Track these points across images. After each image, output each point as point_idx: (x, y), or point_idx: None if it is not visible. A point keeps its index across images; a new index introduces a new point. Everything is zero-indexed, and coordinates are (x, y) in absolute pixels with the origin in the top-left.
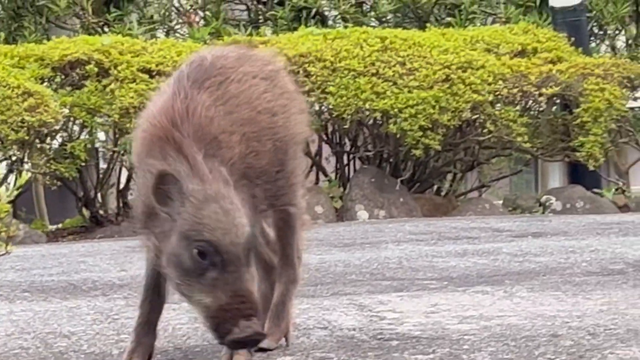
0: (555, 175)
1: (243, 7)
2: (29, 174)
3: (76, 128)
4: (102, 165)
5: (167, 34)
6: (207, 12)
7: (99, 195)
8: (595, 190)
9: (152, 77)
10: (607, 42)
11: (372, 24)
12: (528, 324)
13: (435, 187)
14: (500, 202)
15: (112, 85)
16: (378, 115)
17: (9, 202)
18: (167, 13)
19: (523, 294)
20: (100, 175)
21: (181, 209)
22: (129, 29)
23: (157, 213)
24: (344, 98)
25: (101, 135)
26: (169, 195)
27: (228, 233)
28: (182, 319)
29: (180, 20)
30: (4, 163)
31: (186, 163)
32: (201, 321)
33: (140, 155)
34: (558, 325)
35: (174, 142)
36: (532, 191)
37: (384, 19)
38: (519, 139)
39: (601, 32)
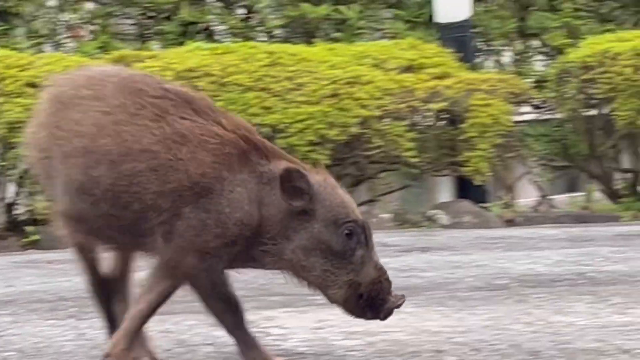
0: (443, 190)
1: (131, 21)
2: None
3: None
4: None
5: (55, 48)
6: (95, 27)
7: None
8: (482, 204)
9: (38, 91)
10: (493, 58)
11: (261, 38)
12: (413, 339)
13: None
14: (390, 216)
15: None
16: (267, 130)
17: None
18: (54, 27)
19: (408, 309)
20: None
21: (319, 198)
22: (16, 43)
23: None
24: (233, 113)
25: None
26: (299, 190)
27: (360, 212)
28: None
29: (67, 35)
30: None
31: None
32: (348, 305)
33: (220, 174)
34: (442, 340)
35: (265, 149)
36: (421, 206)
37: (272, 34)
38: (407, 153)
39: (487, 48)
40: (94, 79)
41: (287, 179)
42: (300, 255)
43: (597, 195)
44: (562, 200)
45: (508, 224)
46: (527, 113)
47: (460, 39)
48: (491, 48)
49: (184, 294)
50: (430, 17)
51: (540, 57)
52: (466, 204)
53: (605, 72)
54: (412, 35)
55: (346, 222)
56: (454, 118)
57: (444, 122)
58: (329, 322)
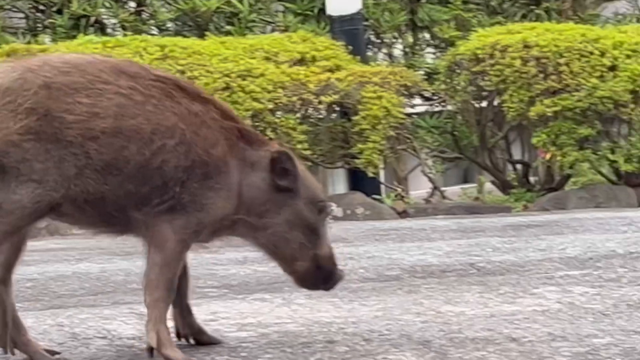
0: (336, 182)
1: (21, 15)
2: None
3: None
4: None
5: None
6: None
7: None
8: (375, 196)
9: None
10: (384, 51)
11: (152, 32)
12: (305, 330)
13: None
14: None
15: None
16: None
17: None
18: None
19: (301, 300)
20: None
21: (301, 179)
22: None
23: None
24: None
25: None
26: (287, 171)
27: None
28: None
29: None
30: None
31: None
32: (307, 276)
33: (223, 157)
34: (334, 331)
35: (248, 134)
36: None
37: (163, 27)
38: (299, 146)
39: (378, 41)
40: (80, 65)
41: (278, 161)
42: (285, 229)
43: (489, 186)
44: (454, 191)
45: (401, 215)
46: (418, 105)
47: (352, 32)
48: (382, 41)
49: (77, 289)
50: (321, 10)
51: (430, 49)
52: (359, 196)
53: (495, 64)
54: (304, 28)
55: (320, 201)
56: (346, 110)
57: (336, 115)
58: (222, 314)
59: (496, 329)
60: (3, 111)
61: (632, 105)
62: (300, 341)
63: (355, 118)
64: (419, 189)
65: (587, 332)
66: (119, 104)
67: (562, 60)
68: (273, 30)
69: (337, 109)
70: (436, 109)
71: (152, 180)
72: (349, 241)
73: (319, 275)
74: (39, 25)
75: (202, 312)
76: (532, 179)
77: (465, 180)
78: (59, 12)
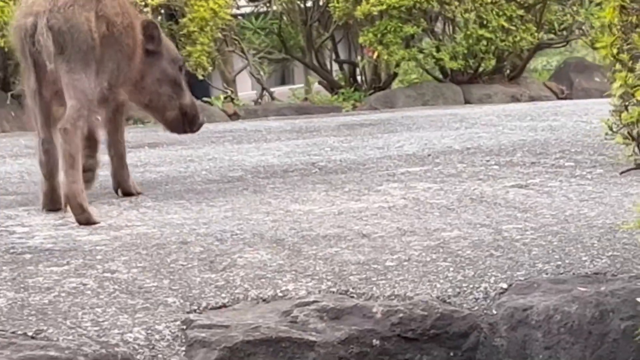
0: None
1: None
2: None
3: None
4: None
5: None
6: None
7: None
8: (205, 99)
9: None
10: None
11: None
12: (157, 232)
13: None
14: None
15: None
16: None
17: None
18: None
19: (148, 203)
20: None
21: (164, 43)
22: None
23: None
24: None
25: None
26: (155, 35)
27: None
28: None
29: None
30: None
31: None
32: (176, 122)
33: (137, 24)
34: (186, 232)
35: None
36: None
37: None
38: None
39: None
40: None
41: (148, 28)
42: (156, 86)
43: (316, 86)
44: (282, 92)
45: (231, 117)
46: (244, 6)
47: None
48: None
49: None
50: None
51: None
52: None
53: None
54: None
55: (179, 60)
56: (172, 13)
57: (162, 18)
58: (71, 219)
59: (346, 226)
60: None
61: (456, 3)
62: (154, 243)
63: (182, 20)
64: (247, 90)
65: (435, 226)
66: None
67: None
68: None
69: (163, 11)
70: (262, 10)
71: None
72: (186, 144)
73: (185, 120)
74: None
75: (52, 218)
76: (359, 78)
77: (292, 81)
78: None
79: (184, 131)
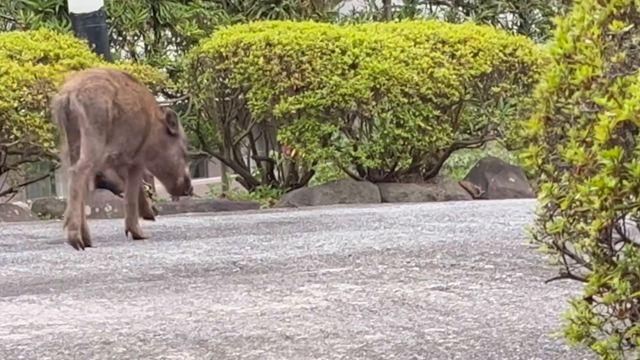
0: None
1: None
2: None
3: None
4: None
5: None
6: None
7: None
8: (123, 194)
9: None
10: (127, 48)
11: None
12: (79, 331)
13: None
14: (30, 207)
15: None
16: None
17: None
18: None
19: (69, 301)
20: None
21: (180, 128)
22: None
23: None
24: None
25: None
26: (175, 123)
27: None
28: None
29: None
30: None
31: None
32: (179, 186)
33: (154, 111)
34: (109, 332)
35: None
36: (62, 197)
37: None
38: (46, 144)
39: (120, 38)
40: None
41: (170, 117)
42: (176, 157)
43: (234, 183)
44: (198, 185)
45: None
46: (161, 103)
47: (95, 30)
48: (125, 38)
49: None
50: (62, 7)
51: (173, 47)
52: (107, 194)
53: (238, 62)
54: (46, 25)
55: (187, 141)
56: None
57: None
58: None
59: (269, 327)
60: None
61: (373, 103)
62: (76, 343)
63: None
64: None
65: (358, 328)
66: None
67: (304, 59)
68: (14, 28)
69: None
70: (180, 106)
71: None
72: (105, 240)
73: (185, 185)
74: None
75: None
76: (276, 174)
77: (207, 173)
78: None
79: (184, 194)
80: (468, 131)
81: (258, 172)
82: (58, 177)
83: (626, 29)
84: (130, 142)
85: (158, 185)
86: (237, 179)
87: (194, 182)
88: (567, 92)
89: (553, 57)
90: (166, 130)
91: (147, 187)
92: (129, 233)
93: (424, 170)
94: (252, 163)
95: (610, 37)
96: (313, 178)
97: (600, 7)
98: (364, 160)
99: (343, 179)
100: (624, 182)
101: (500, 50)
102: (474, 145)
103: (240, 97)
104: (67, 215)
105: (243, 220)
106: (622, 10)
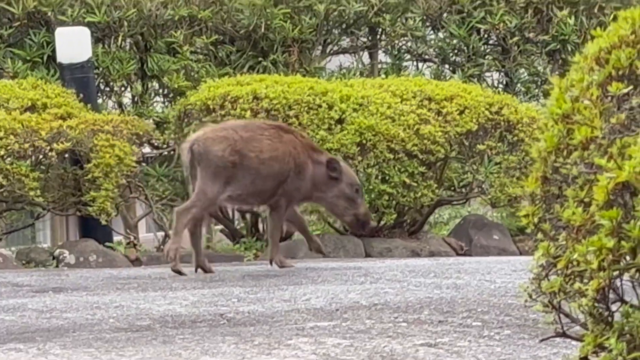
0: (69, 229)
1: None
2: None
3: None
4: None
5: None
6: None
7: None
8: (108, 243)
9: None
10: (114, 99)
11: None
12: None
13: None
14: (15, 255)
15: None
16: None
17: None
18: None
19: (57, 351)
20: None
21: (343, 172)
22: None
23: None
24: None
25: None
26: (336, 168)
27: None
28: None
29: None
30: None
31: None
32: (352, 224)
33: (305, 159)
34: None
35: (317, 147)
36: (46, 244)
37: None
38: (32, 193)
39: (108, 89)
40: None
41: (331, 163)
42: (335, 199)
43: (219, 235)
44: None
45: (134, 263)
46: (148, 154)
47: (82, 80)
48: (112, 89)
49: None
50: (50, 57)
51: (160, 98)
52: (92, 243)
53: (225, 115)
54: (33, 75)
55: (356, 184)
56: (78, 158)
57: (68, 162)
58: None
59: None
60: None
61: (359, 158)
62: None
63: (87, 166)
64: (149, 236)
65: None
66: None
67: (291, 113)
68: (1, 77)
69: (69, 156)
70: (166, 158)
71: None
72: (91, 289)
73: (360, 224)
74: None
75: None
76: (261, 227)
77: None
78: None
79: (358, 232)
80: (453, 188)
81: (242, 225)
82: (39, 226)
83: (625, 90)
84: (255, 184)
85: (142, 236)
86: (221, 230)
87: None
88: (565, 152)
89: (551, 117)
90: (327, 175)
91: (132, 238)
92: (273, 263)
93: (408, 225)
94: (237, 215)
95: (609, 98)
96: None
97: (598, 68)
98: None
99: (327, 233)
100: (622, 242)
101: (486, 109)
102: (458, 203)
103: None
104: (166, 249)
105: (228, 272)
106: (620, 72)
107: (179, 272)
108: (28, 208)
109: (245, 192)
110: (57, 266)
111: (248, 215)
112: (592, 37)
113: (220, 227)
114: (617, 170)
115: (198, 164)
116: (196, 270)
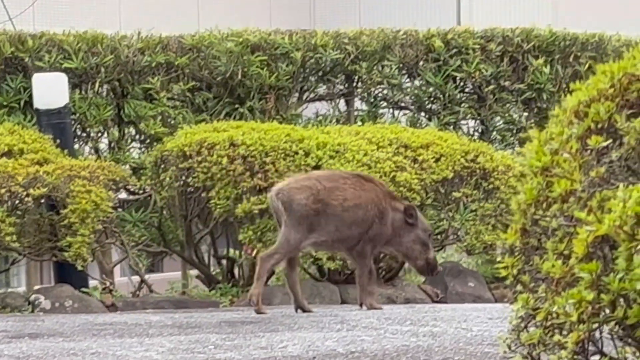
0: (44, 274)
1: None
2: None
3: None
4: None
5: None
6: None
7: None
8: (83, 289)
9: None
10: (90, 145)
11: None
12: None
13: None
14: None
15: None
16: None
17: None
18: None
19: None
20: None
21: (419, 219)
22: None
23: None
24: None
25: None
26: (412, 215)
27: None
28: None
29: None
30: None
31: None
32: (422, 268)
33: (386, 206)
34: None
35: (395, 194)
36: (21, 288)
37: None
38: (8, 238)
39: (85, 135)
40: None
41: (408, 209)
42: (411, 244)
43: (195, 281)
44: (154, 279)
45: (109, 309)
46: (125, 200)
47: (59, 125)
48: (89, 135)
49: None
50: (27, 102)
51: (136, 144)
52: (67, 288)
53: (202, 161)
54: (10, 120)
55: (429, 230)
56: (54, 204)
57: (44, 208)
58: None
59: None
60: None
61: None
62: None
63: (64, 211)
64: (125, 282)
65: None
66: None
67: (268, 159)
68: None
69: (45, 201)
70: (142, 204)
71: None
72: (67, 335)
73: (429, 268)
74: None
75: None
76: (237, 273)
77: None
78: None
79: (428, 275)
80: None
81: (219, 271)
82: (13, 271)
83: (604, 144)
84: (340, 231)
85: (117, 279)
86: (197, 276)
87: (154, 277)
88: (544, 205)
89: (531, 169)
90: (405, 221)
91: (108, 283)
92: (363, 306)
93: (383, 272)
94: (213, 261)
95: (588, 151)
96: (273, 278)
97: (577, 122)
98: (325, 261)
99: (303, 279)
100: (602, 295)
101: (462, 156)
102: (434, 249)
103: (202, 195)
104: (250, 292)
105: (204, 318)
106: (599, 125)
107: (262, 313)
108: (4, 253)
109: (330, 239)
110: (32, 311)
111: (224, 261)
112: (570, 91)
113: (196, 272)
114: (597, 224)
115: (281, 212)
116: (297, 311)
